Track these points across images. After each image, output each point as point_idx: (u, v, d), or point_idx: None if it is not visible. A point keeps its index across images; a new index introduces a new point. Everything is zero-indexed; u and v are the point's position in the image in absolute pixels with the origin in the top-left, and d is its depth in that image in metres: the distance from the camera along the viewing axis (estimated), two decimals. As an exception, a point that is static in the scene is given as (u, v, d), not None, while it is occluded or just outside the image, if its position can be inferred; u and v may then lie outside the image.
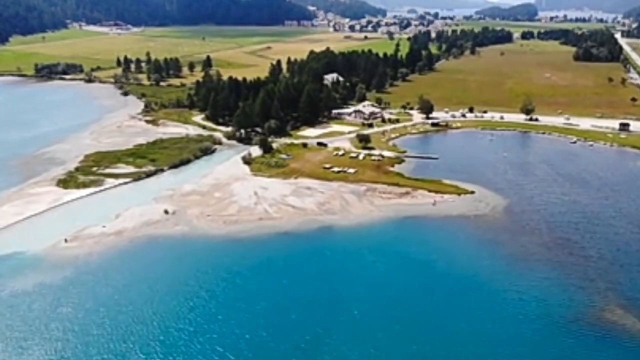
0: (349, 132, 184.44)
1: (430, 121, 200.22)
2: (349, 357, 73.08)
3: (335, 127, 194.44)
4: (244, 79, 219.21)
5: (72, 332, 77.72)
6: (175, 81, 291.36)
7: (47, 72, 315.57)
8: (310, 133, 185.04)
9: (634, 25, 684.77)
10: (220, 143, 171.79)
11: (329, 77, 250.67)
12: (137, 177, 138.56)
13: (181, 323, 79.83)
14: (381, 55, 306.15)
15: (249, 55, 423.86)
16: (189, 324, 79.55)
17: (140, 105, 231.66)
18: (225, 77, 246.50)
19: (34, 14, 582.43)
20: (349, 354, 73.52)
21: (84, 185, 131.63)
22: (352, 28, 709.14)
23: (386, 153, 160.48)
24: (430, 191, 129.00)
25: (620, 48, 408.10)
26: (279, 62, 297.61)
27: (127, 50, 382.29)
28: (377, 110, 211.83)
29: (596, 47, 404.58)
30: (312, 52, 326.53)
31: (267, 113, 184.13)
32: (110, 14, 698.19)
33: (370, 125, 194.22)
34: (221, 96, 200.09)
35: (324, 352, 73.98)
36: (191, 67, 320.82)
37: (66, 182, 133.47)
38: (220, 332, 77.97)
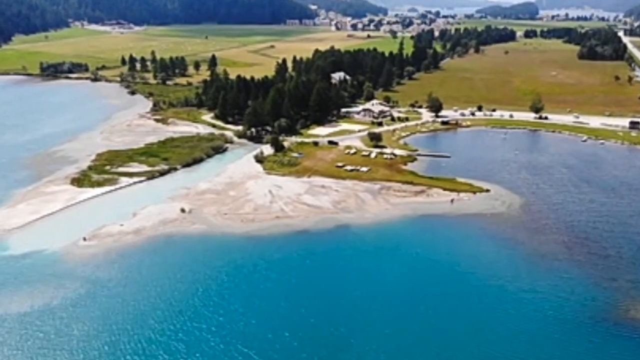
0: (359, 131, 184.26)
1: (439, 119, 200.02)
2: (373, 357, 72.77)
3: (344, 125, 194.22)
4: (252, 78, 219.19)
5: (95, 332, 77.32)
6: (182, 80, 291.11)
7: (52, 71, 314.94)
8: (320, 131, 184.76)
9: (636, 24, 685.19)
10: (231, 142, 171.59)
11: (336, 76, 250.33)
12: (150, 176, 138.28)
13: (204, 323, 79.54)
14: (386, 53, 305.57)
15: (252, 54, 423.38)
16: (211, 324, 79.24)
17: (148, 104, 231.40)
18: (231, 76, 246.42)
19: (36, 12, 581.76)
20: (373, 354, 73.11)
21: (98, 184, 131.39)
22: (354, 27, 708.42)
23: (398, 151, 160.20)
24: (445, 189, 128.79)
25: (625, 46, 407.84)
26: (284, 60, 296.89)
27: (130, 49, 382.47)
28: (386, 108, 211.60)
29: (600, 45, 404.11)
30: (317, 50, 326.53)
31: (278, 112, 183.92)
32: (112, 12, 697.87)
33: (380, 124, 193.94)
34: (230, 95, 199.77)
35: (347, 351, 73.70)
36: (197, 66, 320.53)
37: (80, 180, 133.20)
38: (243, 331, 77.62)
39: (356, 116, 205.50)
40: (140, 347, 74.48)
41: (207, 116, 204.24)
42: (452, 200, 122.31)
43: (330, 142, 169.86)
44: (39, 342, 75.32)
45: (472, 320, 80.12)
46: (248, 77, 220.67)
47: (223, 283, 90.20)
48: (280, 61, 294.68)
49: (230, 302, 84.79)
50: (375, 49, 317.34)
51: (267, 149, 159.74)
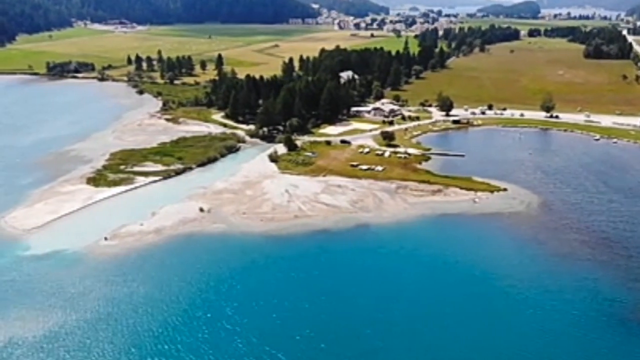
0: (371, 130, 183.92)
1: (450, 118, 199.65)
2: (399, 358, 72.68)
3: (355, 124, 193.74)
4: (261, 77, 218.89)
5: (120, 332, 77.29)
6: (189, 79, 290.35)
7: (59, 70, 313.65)
8: (331, 131, 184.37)
9: (639, 23, 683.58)
10: (243, 141, 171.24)
11: (344, 75, 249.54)
12: (166, 175, 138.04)
13: (229, 323, 79.28)
14: (392, 52, 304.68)
15: (257, 53, 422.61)
16: (236, 324, 79.01)
17: (157, 103, 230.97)
18: (238, 76, 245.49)
19: (39, 12, 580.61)
20: (398, 355, 72.92)
21: (115, 183, 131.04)
22: (357, 26, 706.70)
23: (411, 150, 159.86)
24: (462, 188, 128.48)
25: (630, 45, 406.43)
26: (291, 60, 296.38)
27: (135, 48, 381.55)
28: (396, 107, 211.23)
29: (606, 44, 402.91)
30: (323, 50, 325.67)
31: (289, 111, 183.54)
32: (115, 12, 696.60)
33: (391, 123, 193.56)
34: (241, 94, 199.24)
35: (375, 353, 73.61)
36: (203, 65, 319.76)
37: (96, 180, 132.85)
38: (269, 332, 77.27)
39: (367, 115, 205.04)
40: (166, 347, 74.24)
41: (218, 115, 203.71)
42: (475, 200, 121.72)
43: (342, 141, 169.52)
44: (65, 343, 75.03)
45: (496, 320, 79.90)
46: (256, 76, 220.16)
47: (246, 282, 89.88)
48: (286, 60, 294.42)
49: (254, 302, 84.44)
50: (382, 48, 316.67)
51: (280, 149, 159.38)
